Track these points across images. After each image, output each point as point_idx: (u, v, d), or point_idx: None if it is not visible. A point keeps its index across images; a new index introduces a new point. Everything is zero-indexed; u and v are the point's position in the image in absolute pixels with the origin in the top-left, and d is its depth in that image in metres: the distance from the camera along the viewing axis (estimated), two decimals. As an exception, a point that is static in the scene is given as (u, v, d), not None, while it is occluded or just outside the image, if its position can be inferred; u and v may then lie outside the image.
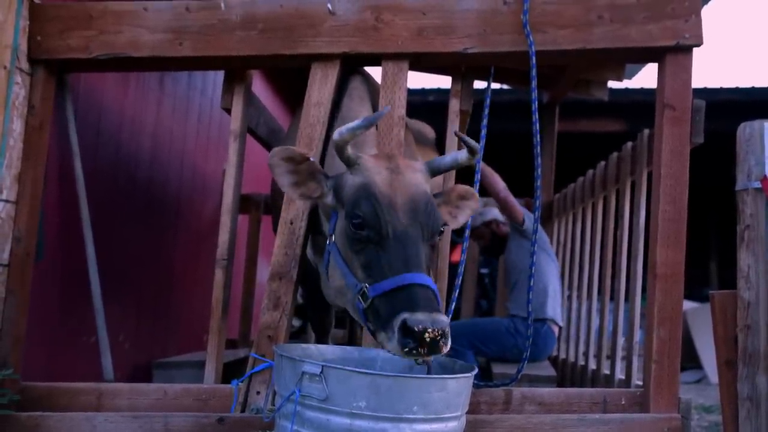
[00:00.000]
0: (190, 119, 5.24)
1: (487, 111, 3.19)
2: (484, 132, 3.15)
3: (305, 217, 2.88)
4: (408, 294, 2.09)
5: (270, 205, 5.09)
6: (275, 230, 3.05)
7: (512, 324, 4.49)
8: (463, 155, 2.47)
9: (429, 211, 2.32)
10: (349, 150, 2.37)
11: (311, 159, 2.44)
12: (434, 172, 2.50)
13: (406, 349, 1.99)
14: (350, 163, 2.40)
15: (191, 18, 3.07)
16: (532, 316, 3.06)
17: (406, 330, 1.99)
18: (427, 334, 1.97)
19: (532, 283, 3.06)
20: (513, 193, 4.96)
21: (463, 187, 2.67)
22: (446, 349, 2.04)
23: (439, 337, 1.99)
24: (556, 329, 4.69)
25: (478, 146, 2.47)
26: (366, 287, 2.17)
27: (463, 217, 2.66)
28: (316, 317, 3.99)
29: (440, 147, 3.23)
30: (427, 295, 2.11)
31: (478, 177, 3.11)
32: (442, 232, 2.43)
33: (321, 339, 3.97)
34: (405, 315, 2.01)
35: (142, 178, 4.52)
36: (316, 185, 2.44)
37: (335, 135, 2.34)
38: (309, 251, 2.88)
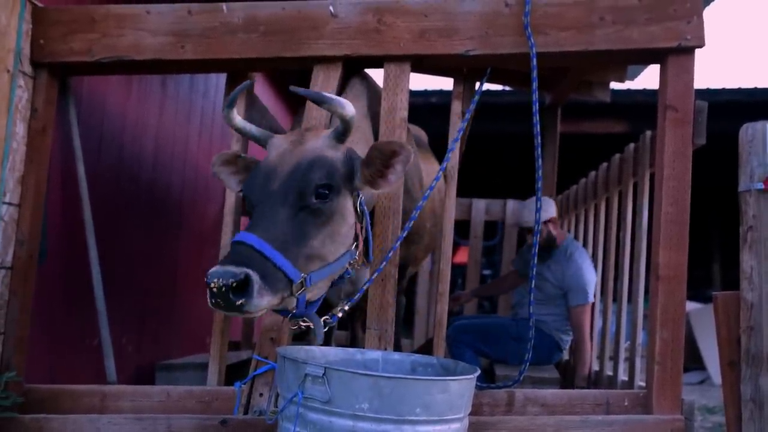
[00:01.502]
0: (193, 121, 5.25)
1: (471, 109, 3.17)
2: (463, 125, 3.12)
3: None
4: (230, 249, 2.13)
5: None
6: None
7: (515, 328, 4.47)
8: (338, 116, 2.37)
9: (306, 170, 2.29)
10: (251, 128, 2.51)
11: (242, 155, 2.56)
12: (339, 136, 2.42)
13: (209, 302, 2.01)
14: (260, 143, 2.51)
15: (193, 21, 3.08)
16: (533, 318, 3.06)
17: (207, 285, 2.00)
18: (212, 285, 1.97)
19: (533, 285, 3.06)
20: (515, 195, 4.97)
21: (384, 143, 2.46)
22: (248, 303, 2.00)
23: (223, 289, 1.96)
24: (565, 348, 4.64)
25: (322, 95, 2.36)
26: None
27: (395, 175, 2.42)
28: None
29: (441, 148, 3.23)
30: (238, 250, 2.09)
31: (456, 146, 3.05)
32: (325, 192, 2.30)
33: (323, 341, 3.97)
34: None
35: (145, 181, 4.52)
36: None
37: (225, 118, 2.48)
38: None
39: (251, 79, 3.35)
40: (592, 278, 4.44)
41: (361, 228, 2.55)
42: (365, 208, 2.55)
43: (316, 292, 2.36)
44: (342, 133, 2.41)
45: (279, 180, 2.29)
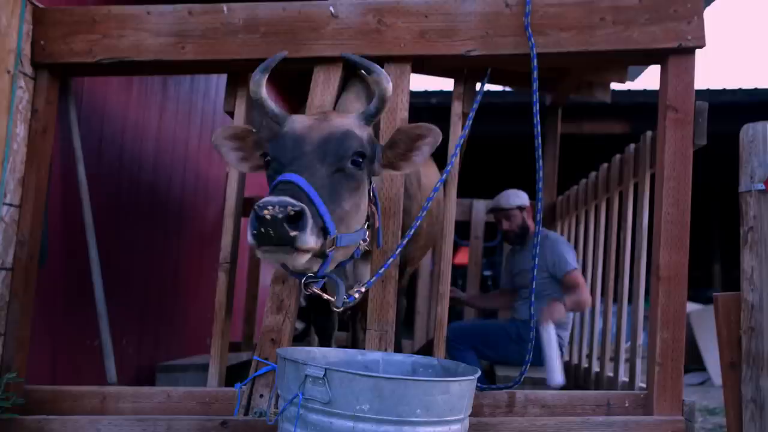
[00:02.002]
0: (193, 122, 5.25)
1: (475, 106, 3.18)
2: (465, 130, 3.13)
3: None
4: (273, 190, 2.09)
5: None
6: None
7: (516, 330, 4.47)
8: (376, 87, 2.42)
9: (341, 138, 2.30)
10: (270, 104, 2.46)
11: (253, 131, 2.51)
12: (368, 117, 2.46)
13: (254, 232, 1.93)
14: (278, 120, 2.46)
15: (194, 22, 3.08)
16: (534, 318, 3.06)
17: (254, 215, 1.92)
18: (266, 212, 1.89)
19: (534, 286, 3.06)
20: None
21: (411, 126, 2.51)
22: (299, 236, 1.95)
23: (280, 216, 1.90)
24: (565, 347, 4.68)
25: (374, 65, 2.43)
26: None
27: (420, 157, 2.49)
28: (318, 320, 4.00)
29: (442, 149, 3.22)
30: (288, 187, 2.06)
31: (456, 150, 3.06)
32: (361, 159, 2.34)
33: (324, 342, 3.97)
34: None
35: (145, 182, 4.52)
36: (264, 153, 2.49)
37: (251, 93, 2.43)
38: None
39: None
40: (569, 249, 4.57)
41: (373, 213, 2.58)
42: (376, 194, 2.59)
43: (337, 258, 2.33)
44: (373, 114, 2.46)
45: (313, 144, 2.28)
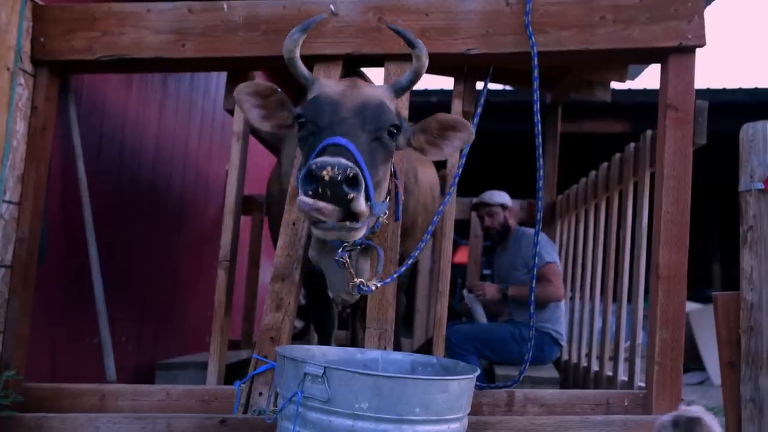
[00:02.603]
0: (193, 120, 5.25)
1: (480, 110, 3.18)
2: (475, 122, 3.12)
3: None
4: (321, 152, 2.08)
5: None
6: (273, 235, 3.03)
7: (518, 331, 4.47)
8: (414, 62, 2.44)
9: (377, 109, 2.32)
10: (301, 66, 2.44)
11: (279, 90, 2.48)
12: (398, 90, 2.49)
13: (309, 192, 1.94)
14: (307, 82, 2.46)
15: (194, 19, 3.08)
16: (533, 318, 3.06)
17: (308, 173, 1.93)
18: (325, 172, 1.90)
19: (534, 284, 3.06)
20: (516, 195, 4.96)
21: (449, 116, 2.56)
22: (356, 198, 1.97)
23: (339, 178, 1.91)
24: (562, 341, 4.69)
25: (417, 40, 2.43)
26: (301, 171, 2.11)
27: (449, 147, 2.53)
28: (318, 318, 3.99)
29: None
30: (339, 150, 2.07)
31: (465, 152, 3.05)
32: (396, 131, 2.38)
33: (323, 340, 3.97)
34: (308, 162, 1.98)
35: (145, 180, 4.52)
36: (287, 114, 2.51)
37: (283, 51, 2.40)
38: (311, 251, 2.88)
39: (252, 78, 3.36)
40: (548, 244, 4.66)
41: (396, 186, 2.62)
42: (396, 168, 2.63)
43: (368, 226, 2.31)
44: (404, 87, 2.48)
45: (350, 110, 2.28)
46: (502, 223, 4.88)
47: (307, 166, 1.96)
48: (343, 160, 1.95)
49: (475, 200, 5.03)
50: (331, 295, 2.76)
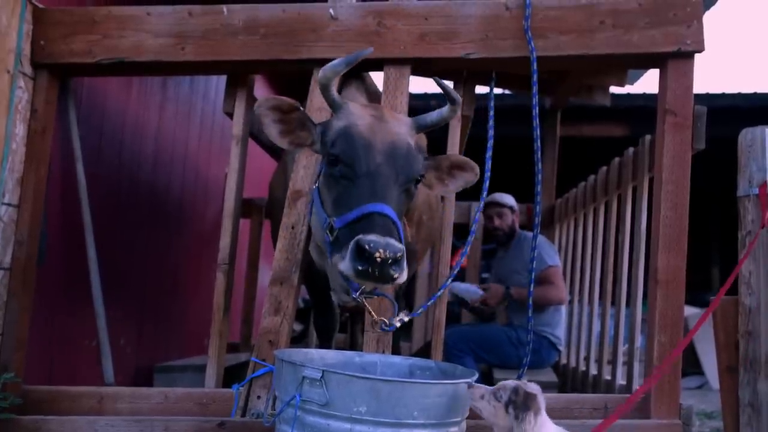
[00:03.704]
0: (193, 123, 5.25)
1: (492, 112, 3.17)
2: (490, 139, 3.13)
3: (306, 221, 2.88)
4: (368, 221, 2.15)
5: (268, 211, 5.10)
6: (273, 237, 3.03)
7: (515, 334, 4.47)
8: (446, 109, 2.51)
9: (407, 156, 2.37)
10: (333, 92, 2.45)
11: (300, 108, 2.48)
12: (420, 127, 2.53)
13: (359, 268, 2.04)
14: (335, 107, 2.47)
15: (194, 23, 3.08)
16: (531, 322, 3.06)
17: (359, 250, 2.04)
18: (378, 254, 2.01)
19: (532, 288, 3.06)
20: (515, 199, 4.96)
21: (461, 158, 2.66)
22: (399, 277, 2.08)
23: (389, 260, 2.03)
24: (561, 346, 4.69)
25: (458, 96, 2.52)
26: (333, 220, 2.24)
27: (454, 186, 2.64)
28: (320, 322, 3.99)
29: (440, 152, 3.22)
30: (386, 223, 2.15)
31: (489, 154, 3.09)
32: (420, 180, 2.46)
33: (324, 343, 3.96)
34: (359, 236, 2.06)
35: (145, 183, 4.52)
36: (307, 134, 2.50)
37: (319, 75, 2.40)
38: (314, 253, 2.88)
39: (251, 81, 3.36)
40: (549, 247, 4.70)
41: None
42: None
43: None
44: (427, 126, 2.54)
45: (383, 156, 2.32)
46: (510, 225, 4.89)
47: (356, 242, 2.05)
48: (393, 242, 2.07)
49: (485, 200, 5.03)
50: (333, 297, 2.77)
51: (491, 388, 2.11)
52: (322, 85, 2.41)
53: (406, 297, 5.07)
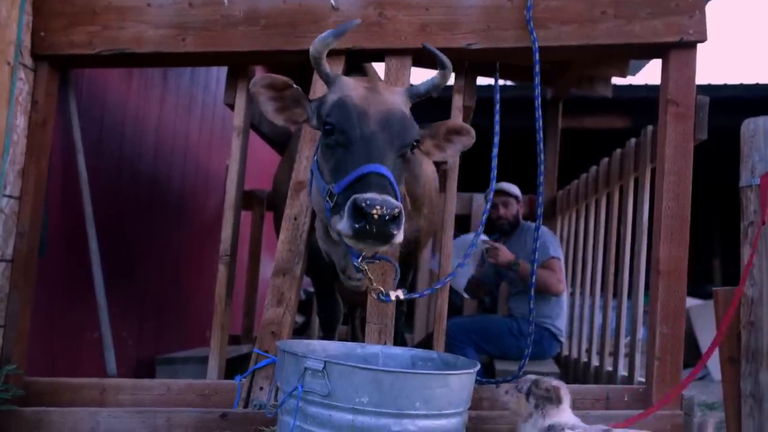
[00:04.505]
0: (193, 115, 5.24)
1: (498, 107, 3.16)
2: (496, 135, 3.12)
3: (309, 213, 2.88)
4: (364, 181, 2.17)
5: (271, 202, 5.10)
6: (276, 229, 3.03)
7: (516, 325, 4.48)
8: (437, 75, 2.52)
9: (402, 122, 2.39)
10: (325, 66, 2.48)
11: (294, 85, 2.51)
12: (414, 96, 2.55)
13: (356, 226, 2.05)
14: (328, 81, 2.51)
15: (194, 14, 3.07)
16: (533, 313, 3.06)
17: (356, 209, 2.04)
18: (375, 211, 2.01)
19: (534, 280, 3.06)
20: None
21: (457, 122, 2.68)
22: (397, 235, 2.08)
23: (387, 217, 2.02)
24: (562, 338, 4.70)
25: (448, 61, 2.53)
26: (332, 186, 2.26)
27: (452, 150, 2.66)
28: (324, 312, 3.98)
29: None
30: (382, 182, 2.17)
31: (496, 140, 3.08)
32: (416, 145, 2.48)
33: (328, 335, 3.96)
34: (356, 195, 2.07)
35: (146, 174, 4.52)
36: (302, 110, 2.54)
37: (310, 50, 2.43)
38: (320, 239, 2.87)
39: (252, 72, 3.35)
40: (553, 239, 4.64)
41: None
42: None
43: None
44: (421, 94, 2.55)
45: (377, 123, 2.35)
46: (514, 215, 4.87)
47: (353, 201, 2.05)
48: (390, 198, 2.07)
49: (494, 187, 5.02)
50: (342, 279, 2.81)
51: (513, 382, 2.34)
52: (313, 59, 2.44)
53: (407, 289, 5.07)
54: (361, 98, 2.41)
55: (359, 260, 2.38)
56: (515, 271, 4.48)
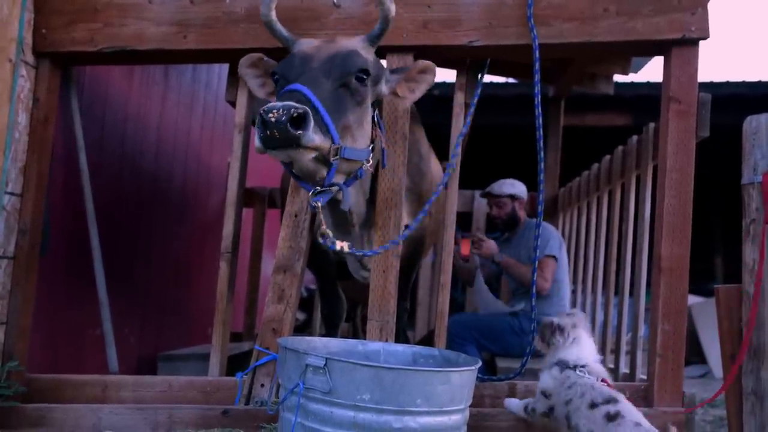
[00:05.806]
0: (195, 112, 5.24)
1: (475, 101, 3.16)
2: (471, 112, 3.11)
3: (309, 210, 2.88)
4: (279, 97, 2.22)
5: (275, 199, 5.10)
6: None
7: (518, 323, 4.47)
8: (383, 11, 2.53)
9: (346, 56, 2.43)
10: (280, 27, 2.57)
11: (264, 58, 2.65)
12: (372, 39, 2.61)
13: (261, 135, 2.07)
14: (287, 43, 2.59)
15: (195, 11, 3.07)
16: (535, 311, 3.06)
17: (261, 120, 2.06)
18: (271, 116, 2.02)
19: (535, 277, 3.06)
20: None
21: (426, 62, 2.70)
22: (303, 136, 2.07)
23: (284, 118, 2.02)
24: None
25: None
26: None
27: (419, 91, 2.69)
28: (327, 309, 3.98)
29: (443, 139, 3.22)
30: (291, 95, 2.19)
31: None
32: (365, 76, 2.47)
33: (331, 331, 3.96)
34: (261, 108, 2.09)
35: (147, 171, 4.52)
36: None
37: (260, 13, 2.56)
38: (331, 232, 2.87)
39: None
40: (554, 237, 4.55)
41: (378, 137, 2.69)
42: (380, 119, 2.74)
43: (342, 169, 2.43)
44: (377, 36, 2.60)
45: (319, 61, 2.40)
46: (509, 214, 4.80)
47: (258, 114, 2.07)
48: (290, 102, 2.07)
49: (486, 189, 5.01)
50: (351, 269, 2.88)
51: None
52: (265, 23, 2.54)
53: (409, 289, 5.07)
54: (312, 48, 2.48)
55: (310, 195, 2.38)
56: (497, 264, 4.50)
